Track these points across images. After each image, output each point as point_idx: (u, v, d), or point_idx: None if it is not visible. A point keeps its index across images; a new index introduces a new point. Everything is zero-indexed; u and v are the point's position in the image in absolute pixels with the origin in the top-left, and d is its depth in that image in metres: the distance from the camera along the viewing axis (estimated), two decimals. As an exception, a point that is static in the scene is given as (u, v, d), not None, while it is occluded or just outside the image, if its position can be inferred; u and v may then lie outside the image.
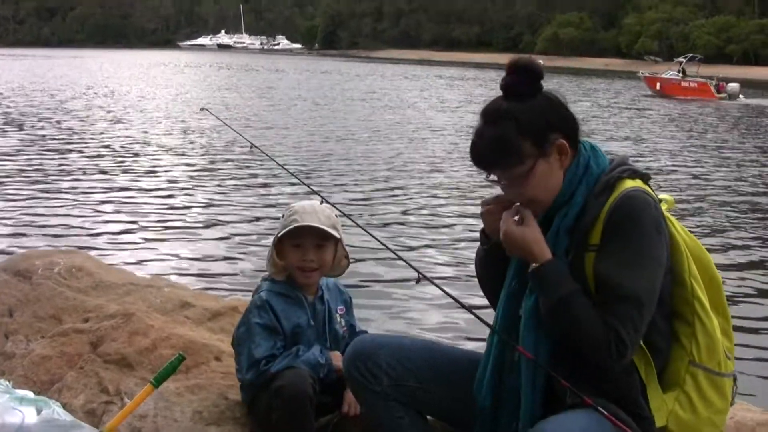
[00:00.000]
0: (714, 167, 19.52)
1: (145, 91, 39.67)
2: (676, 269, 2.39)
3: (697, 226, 12.03)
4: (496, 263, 2.60)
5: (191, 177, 15.23)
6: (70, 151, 18.16)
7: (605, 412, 2.25)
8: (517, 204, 2.45)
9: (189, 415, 3.16)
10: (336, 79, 56.95)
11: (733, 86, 47.43)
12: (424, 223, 11.66)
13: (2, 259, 5.22)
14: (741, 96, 46.95)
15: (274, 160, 4.09)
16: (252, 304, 3.19)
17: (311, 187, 3.72)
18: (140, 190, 13.75)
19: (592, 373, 2.33)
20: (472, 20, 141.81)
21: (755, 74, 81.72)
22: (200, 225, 11.26)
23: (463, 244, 10.46)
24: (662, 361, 2.41)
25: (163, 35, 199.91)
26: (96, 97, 34.98)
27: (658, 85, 49.70)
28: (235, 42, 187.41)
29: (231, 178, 15.04)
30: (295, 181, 4.09)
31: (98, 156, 17.49)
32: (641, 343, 2.31)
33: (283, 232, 3.14)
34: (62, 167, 15.76)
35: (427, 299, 8.00)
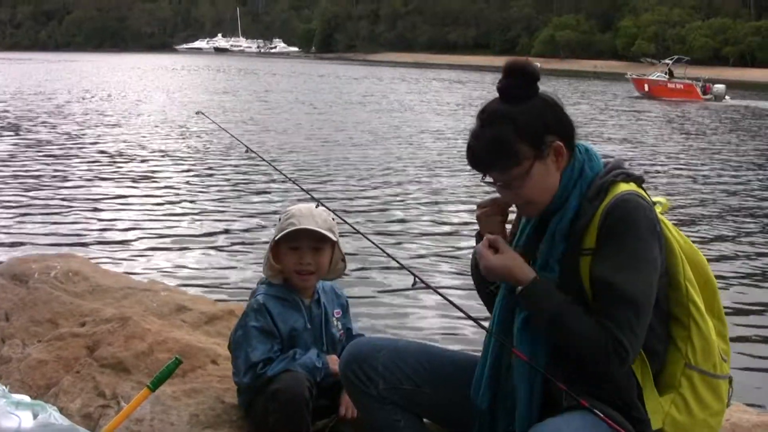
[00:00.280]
0: (701, 167, 19.66)
1: (142, 95, 39.61)
2: (671, 272, 2.40)
3: (690, 228, 12.05)
4: None
5: (187, 181, 15.21)
6: (66, 154, 18.14)
7: (601, 415, 2.25)
8: (487, 235, 2.48)
9: (186, 418, 3.16)
10: (333, 83, 56.94)
11: (719, 87, 48.08)
12: (420, 227, 11.65)
13: (-2, 263, 5.22)
14: (727, 97, 47.59)
15: (269, 163, 4.09)
16: (249, 307, 3.19)
17: (307, 190, 3.71)
18: (137, 194, 13.73)
19: (589, 375, 2.34)
20: (468, 22, 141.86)
21: (751, 76, 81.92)
22: (196, 229, 11.25)
23: (459, 248, 10.45)
24: (658, 364, 2.42)
25: (160, 39, 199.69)
26: (93, 100, 34.93)
27: (645, 86, 50.23)
28: (231, 45, 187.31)
29: (227, 182, 15.02)
30: (291, 185, 4.08)
31: (95, 160, 17.46)
32: None
33: (279, 235, 3.15)
34: (59, 171, 15.73)
35: (424, 302, 8.00)
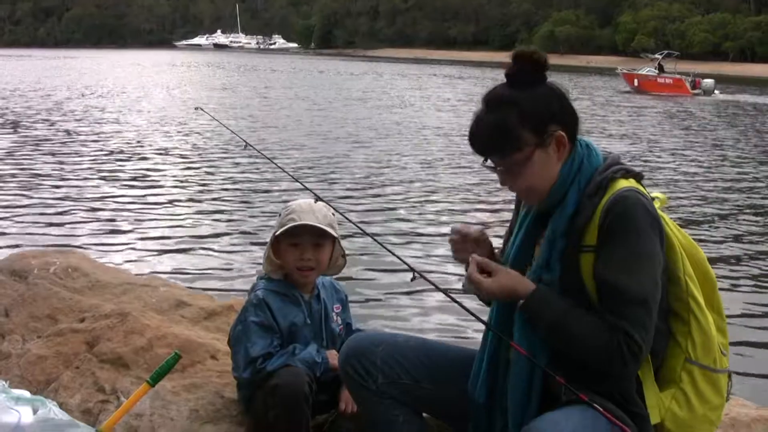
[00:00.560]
0: (688, 162, 19.74)
1: (141, 91, 39.57)
2: (671, 267, 2.40)
3: (687, 224, 12.05)
4: None
5: (186, 177, 15.21)
6: (65, 151, 18.14)
7: (600, 409, 2.24)
8: (473, 257, 2.45)
9: (185, 413, 3.17)
10: (333, 79, 56.89)
11: (708, 82, 48.54)
12: (420, 223, 11.64)
13: (-2, 259, 5.21)
14: (716, 92, 48.03)
15: (267, 158, 4.09)
16: (248, 302, 3.19)
17: (306, 185, 3.71)
18: (136, 190, 13.73)
19: (588, 370, 2.34)
20: (468, 18, 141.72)
21: (751, 71, 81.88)
22: (196, 225, 11.26)
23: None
24: (658, 359, 2.42)
25: (159, 35, 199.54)
26: (92, 97, 34.92)
27: (635, 81, 50.45)
28: (231, 41, 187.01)
29: (226, 178, 15.03)
30: (291, 180, 4.08)
31: (94, 156, 17.46)
32: None
33: (280, 231, 3.14)
34: (58, 168, 15.73)
35: (423, 297, 8.01)
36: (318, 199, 3.22)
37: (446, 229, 9.60)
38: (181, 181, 14.66)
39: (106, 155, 17.66)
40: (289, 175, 3.94)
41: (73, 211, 11.82)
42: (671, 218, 2.50)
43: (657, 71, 50.92)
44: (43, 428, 2.75)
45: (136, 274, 5.61)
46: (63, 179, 14.48)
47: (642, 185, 2.42)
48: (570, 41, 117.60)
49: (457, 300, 2.71)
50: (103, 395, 3.29)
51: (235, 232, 10.82)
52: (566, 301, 2.34)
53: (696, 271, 2.44)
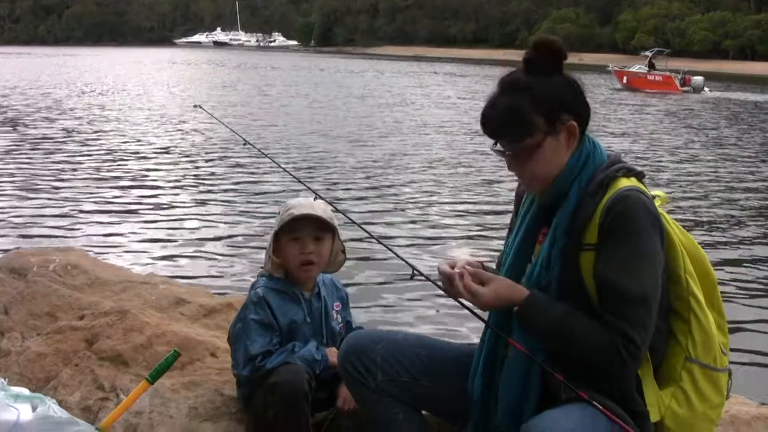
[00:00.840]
0: (673, 156, 19.93)
1: (141, 89, 39.57)
2: (671, 266, 2.40)
3: (686, 222, 12.07)
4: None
5: (186, 174, 15.20)
6: (65, 149, 18.13)
7: (600, 407, 2.24)
8: (465, 268, 2.43)
9: (185, 411, 3.16)
10: (334, 77, 56.87)
11: (698, 80, 48.88)
12: (420, 222, 11.64)
13: (-3, 257, 5.21)
14: (706, 89, 48.40)
15: (266, 155, 4.08)
16: (248, 300, 3.19)
17: (306, 183, 3.71)
18: (135, 187, 13.73)
19: (587, 369, 2.33)
20: (468, 16, 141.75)
21: (751, 70, 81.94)
22: (195, 222, 11.25)
23: (458, 242, 10.47)
24: (658, 357, 2.42)
25: (159, 33, 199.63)
26: (92, 95, 34.90)
27: (624, 78, 50.65)
28: (231, 39, 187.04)
29: (226, 176, 15.02)
30: (290, 178, 4.09)
31: (93, 154, 17.45)
32: None
33: (280, 225, 3.14)
34: (57, 165, 15.72)
35: (423, 295, 8.00)
36: (317, 197, 3.22)
37: (444, 227, 9.62)
38: (181, 179, 14.64)
39: (105, 153, 17.64)
40: (288, 173, 3.94)
41: (72, 209, 11.81)
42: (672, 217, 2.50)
43: (647, 68, 51.16)
44: (42, 426, 2.74)
45: (136, 271, 5.61)
46: (62, 177, 14.47)
47: (643, 184, 2.42)
48: (570, 39, 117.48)
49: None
50: (103, 393, 3.29)
51: (235, 230, 10.82)
52: (561, 305, 2.34)
53: (697, 269, 2.44)
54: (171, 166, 16.10)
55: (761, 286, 9.18)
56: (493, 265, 2.73)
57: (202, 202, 12.65)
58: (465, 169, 16.20)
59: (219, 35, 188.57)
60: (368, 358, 2.70)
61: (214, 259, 9.43)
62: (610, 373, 2.30)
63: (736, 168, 18.67)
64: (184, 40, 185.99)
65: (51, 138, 19.95)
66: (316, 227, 3.15)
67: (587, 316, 2.31)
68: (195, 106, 5.01)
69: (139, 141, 19.83)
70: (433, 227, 11.27)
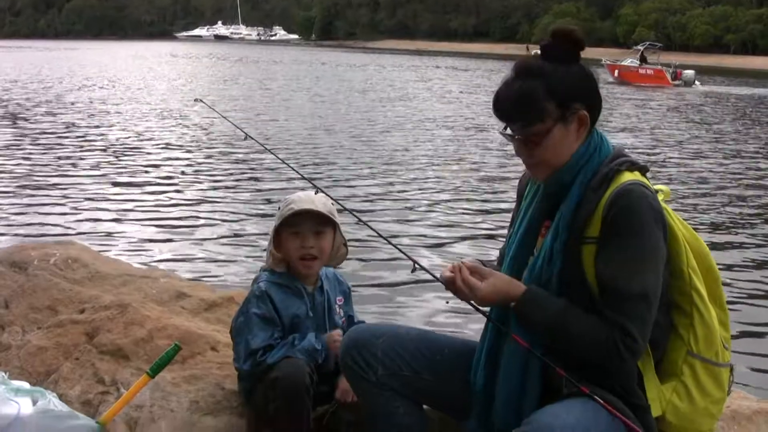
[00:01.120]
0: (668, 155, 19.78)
1: (142, 83, 39.54)
2: (674, 261, 2.40)
3: (688, 216, 12.06)
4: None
5: (187, 168, 15.19)
6: (65, 143, 18.11)
7: (601, 401, 2.25)
8: (463, 262, 2.46)
9: (185, 405, 3.16)
10: (335, 71, 56.80)
11: (689, 73, 49.28)
12: (422, 216, 11.62)
13: (-2, 251, 5.21)
14: (697, 83, 48.75)
15: (268, 149, 4.08)
16: (251, 294, 3.18)
17: (306, 177, 3.70)
18: (136, 181, 13.73)
19: (587, 364, 2.33)
20: (469, 10, 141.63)
21: (752, 64, 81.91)
22: (196, 216, 11.25)
23: (459, 235, 10.47)
24: (660, 352, 2.42)
25: (159, 26, 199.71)
26: (92, 89, 34.87)
27: (616, 72, 50.85)
28: (231, 33, 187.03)
29: (227, 170, 15.02)
30: (291, 172, 4.09)
31: (94, 148, 17.44)
32: None
33: (281, 219, 3.14)
34: (58, 159, 15.72)
35: (424, 289, 7.99)
36: (318, 190, 3.21)
37: (449, 222, 9.64)
38: (182, 174, 14.63)
39: (106, 147, 17.63)
40: (290, 167, 3.93)
41: (72, 203, 11.80)
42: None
43: (639, 62, 51.31)
44: (42, 420, 2.74)
45: (137, 265, 5.60)
46: (63, 171, 14.46)
47: (646, 178, 2.42)
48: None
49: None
50: (103, 387, 3.29)
51: (236, 224, 10.81)
52: (559, 300, 2.35)
53: (699, 264, 2.44)
54: (172, 160, 16.08)
55: (764, 282, 9.17)
56: (495, 263, 2.73)
57: (204, 196, 12.64)
58: (468, 165, 16.18)
59: (220, 29, 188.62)
60: (369, 352, 2.69)
61: (215, 253, 9.43)
62: (609, 368, 2.30)
63: (727, 160, 18.73)
64: (185, 33, 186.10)
65: (52, 132, 19.93)
66: (317, 222, 3.15)
67: (585, 311, 2.31)
68: (196, 100, 5.00)
69: (140, 135, 19.81)
70: (435, 222, 11.25)
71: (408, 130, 22.47)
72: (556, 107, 2.36)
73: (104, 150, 17.15)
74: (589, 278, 2.33)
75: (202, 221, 10.94)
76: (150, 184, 13.50)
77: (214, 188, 13.30)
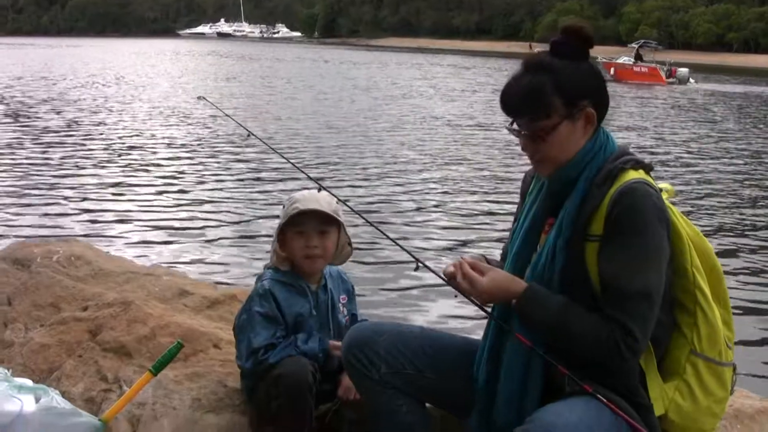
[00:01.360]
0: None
1: (145, 80, 39.57)
2: (678, 259, 2.39)
3: (692, 214, 12.06)
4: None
5: (190, 166, 15.20)
6: (68, 140, 18.12)
7: (604, 400, 2.24)
8: (462, 258, 2.46)
9: (188, 402, 3.16)
10: (338, 68, 56.79)
11: (683, 71, 49.73)
12: (425, 215, 11.62)
13: (1, 248, 5.21)
14: (691, 80, 49.36)
15: (271, 147, 4.07)
16: (254, 292, 3.18)
17: (309, 175, 3.69)
18: (139, 179, 13.73)
19: (589, 362, 2.33)
20: (472, 7, 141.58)
21: (755, 62, 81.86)
22: (199, 214, 11.25)
23: (462, 233, 10.47)
24: (662, 350, 2.41)
25: (162, 24, 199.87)
26: (95, 86, 34.88)
27: (611, 70, 50.92)
28: (234, 30, 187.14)
29: (230, 168, 15.02)
30: (294, 170, 4.10)
31: (97, 145, 17.45)
32: None
33: (286, 219, 3.14)
34: (61, 157, 15.72)
35: (427, 288, 8.00)
36: (321, 188, 3.21)
37: (452, 217, 9.62)
38: (185, 171, 14.64)
39: (109, 145, 17.63)
40: (293, 165, 3.93)
41: (75, 201, 11.82)
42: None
43: (634, 60, 51.47)
44: (45, 417, 2.74)
45: (139, 263, 5.61)
46: (66, 168, 14.47)
47: (651, 176, 2.41)
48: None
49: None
50: (106, 384, 3.29)
51: (239, 223, 10.81)
52: (560, 298, 2.34)
53: (703, 263, 2.43)
54: (176, 158, 16.09)
55: (767, 280, 9.18)
56: (499, 260, 2.73)
57: (207, 194, 12.64)
58: (473, 164, 16.18)
59: (222, 26, 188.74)
60: (371, 350, 2.69)
61: (218, 251, 9.43)
62: (610, 366, 2.30)
63: (726, 159, 18.71)
64: (188, 31, 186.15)
65: (55, 129, 19.94)
66: (321, 221, 3.14)
67: (587, 309, 2.30)
68: (198, 97, 5.01)
69: (142, 132, 19.82)
70: (438, 219, 11.26)
71: (412, 128, 22.45)
72: (563, 104, 2.36)
73: (107, 148, 17.15)
74: (592, 276, 2.32)
75: (204, 219, 10.94)
76: (153, 181, 13.51)
77: (218, 186, 13.30)
